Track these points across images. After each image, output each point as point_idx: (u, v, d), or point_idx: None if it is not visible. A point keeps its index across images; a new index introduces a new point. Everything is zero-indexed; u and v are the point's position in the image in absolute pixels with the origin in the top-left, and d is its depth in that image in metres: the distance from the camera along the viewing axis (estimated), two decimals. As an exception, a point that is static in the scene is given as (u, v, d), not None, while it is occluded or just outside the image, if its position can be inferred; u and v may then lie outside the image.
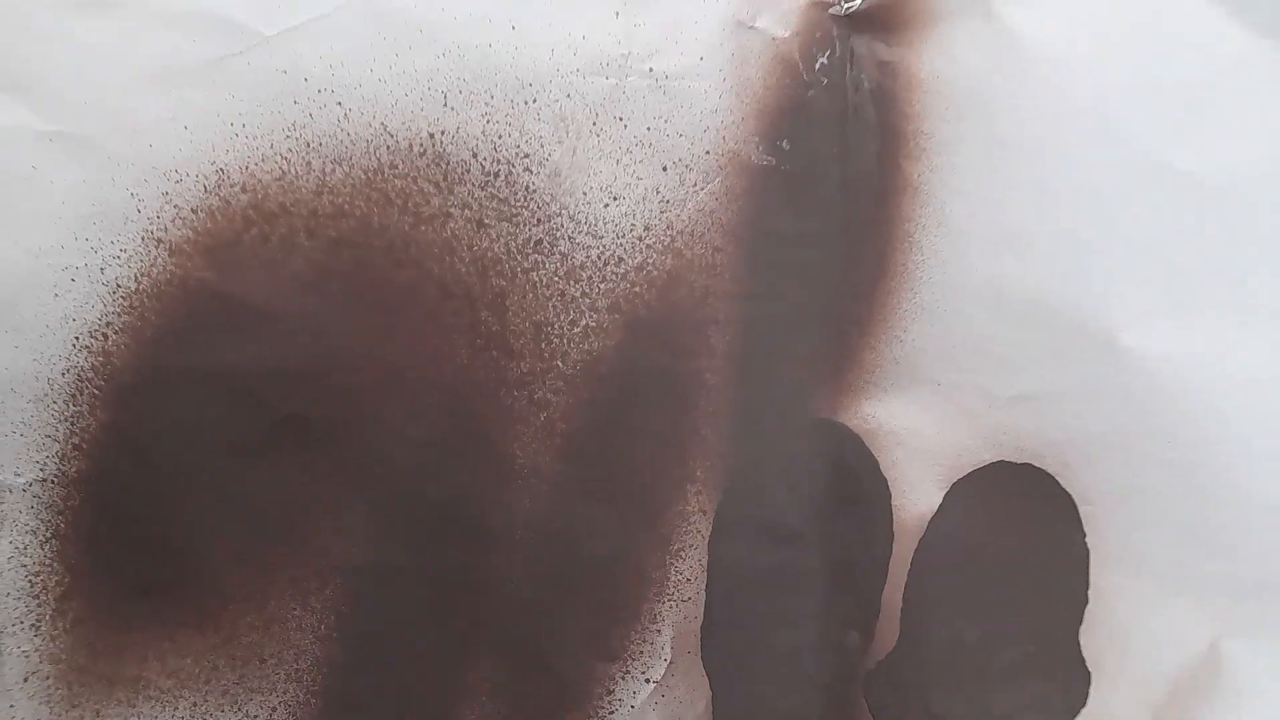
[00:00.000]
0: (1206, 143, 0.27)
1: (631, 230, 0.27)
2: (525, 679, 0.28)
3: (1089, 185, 0.27)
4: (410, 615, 0.28)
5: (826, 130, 0.27)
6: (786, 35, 0.27)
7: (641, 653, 0.28)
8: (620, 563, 0.28)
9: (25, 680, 0.27)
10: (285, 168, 0.26)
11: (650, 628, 0.28)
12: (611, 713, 0.28)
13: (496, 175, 0.26)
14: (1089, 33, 0.27)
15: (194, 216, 0.26)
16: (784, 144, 0.27)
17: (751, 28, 0.27)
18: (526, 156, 0.26)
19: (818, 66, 0.27)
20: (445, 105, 0.26)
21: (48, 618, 0.27)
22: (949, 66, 0.27)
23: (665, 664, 0.28)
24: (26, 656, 0.27)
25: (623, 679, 0.28)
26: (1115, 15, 0.27)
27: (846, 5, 0.27)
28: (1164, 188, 0.27)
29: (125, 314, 0.26)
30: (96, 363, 0.26)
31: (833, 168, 0.27)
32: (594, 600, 0.28)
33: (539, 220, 0.27)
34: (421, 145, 0.26)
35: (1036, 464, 0.28)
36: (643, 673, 0.28)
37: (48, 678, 0.27)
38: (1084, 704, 0.29)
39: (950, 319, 0.28)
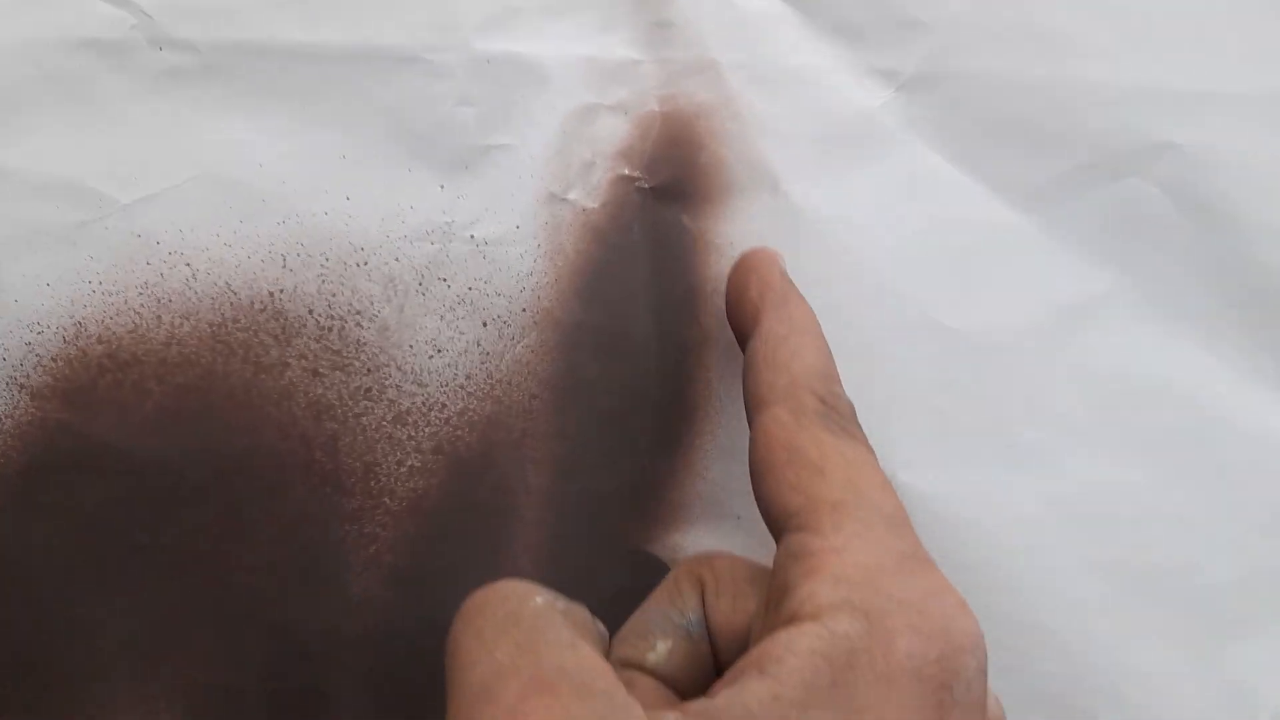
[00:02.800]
0: (971, 303, 0.30)
1: (454, 379, 0.30)
2: (357, 792, 0.30)
3: (867, 342, 0.30)
4: (250, 731, 0.30)
5: (632, 289, 0.30)
6: (595, 207, 0.30)
7: (465, 767, 0.30)
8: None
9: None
10: (138, 321, 0.29)
11: (473, 743, 0.30)
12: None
13: (330, 330, 0.29)
14: (863, 206, 0.30)
15: (54, 364, 0.28)
16: (593, 302, 0.30)
17: (563, 199, 0.30)
18: (358, 313, 0.29)
19: (623, 233, 0.30)
20: (284, 266, 0.29)
21: (-95, 735, 0.29)
22: (741, 234, 0.30)
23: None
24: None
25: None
26: (885, 191, 0.30)
27: (650, 181, 0.30)
28: (936, 344, 0.30)
29: (-12, 452, 0.28)
30: (-41, 497, 0.28)
31: (638, 323, 0.30)
32: (423, 717, 0.30)
33: (369, 370, 0.29)
34: (262, 302, 0.29)
35: (829, 591, 0.31)
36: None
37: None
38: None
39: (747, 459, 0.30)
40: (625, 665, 0.24)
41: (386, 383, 0.29)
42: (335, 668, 0.30)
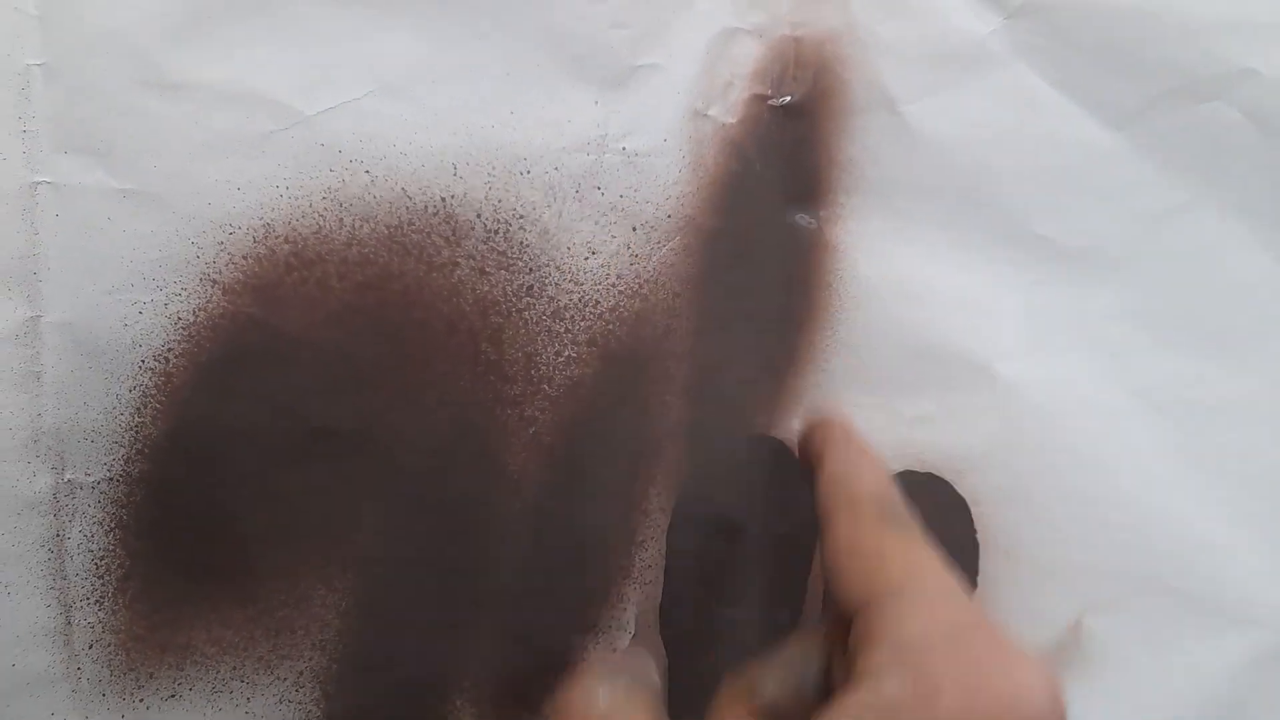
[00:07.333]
0: (1060, 212, 0.34)
1: (606, 279, 0.33)
2: (514, 649, 0.33)
3: (969, 246, 0.34)
4: (417, 597, 0.33)
5: (763, 199, 0.33)
6: (733, 122, 0.33)
7: (611, 626, 0.34)
8: (594, 552, 0.33)
9: (90, 647, 0.31)
10: (321, 223, 0.31)
11: (618, 606, 0.34)
12: (584, 677, 0.34)
13: (496, 232, 0.32)
14: (970, 125, 0.33)
15: (244, 262, 0.31)
16: (729, 210, 0.33)
17: (705, 115, 0.33)
18: (521, 217, 0.32)
19: (757, 147, 0.33)
20: (455, 174, 0.32)
21: (110, 595, 0.31)
22: (861, 150, 0.33)
23: (630, 636, 0.34)
24: (92, 628, 0.31)
25: (595, 649, 0.34)
26: (991, 111, 0.33)
27: (781, 99, 0.33)
28: (1026, 248, 0.34)
29: (184, 341, 0.31)
30: (159, 381, 0.31)
31: (769, 229, 0.34)
32: (572, 583, 0.34)
33: (531, 270, 0.32)
34: (435, 207, 0.32)
35: (935, 472, 0.34)
36: (611, 643, 0.34)
37: (109, 645, 0.32)
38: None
39: (863, 353, 0.34)
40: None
41: (546, 281, 0.32)
42: (494, 541, 0.33)
